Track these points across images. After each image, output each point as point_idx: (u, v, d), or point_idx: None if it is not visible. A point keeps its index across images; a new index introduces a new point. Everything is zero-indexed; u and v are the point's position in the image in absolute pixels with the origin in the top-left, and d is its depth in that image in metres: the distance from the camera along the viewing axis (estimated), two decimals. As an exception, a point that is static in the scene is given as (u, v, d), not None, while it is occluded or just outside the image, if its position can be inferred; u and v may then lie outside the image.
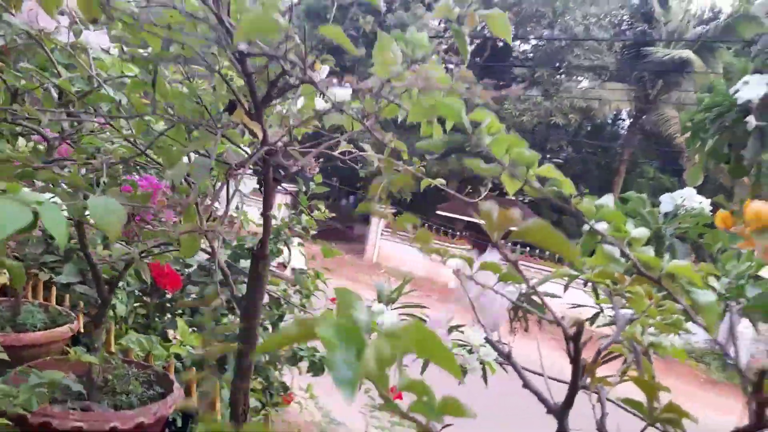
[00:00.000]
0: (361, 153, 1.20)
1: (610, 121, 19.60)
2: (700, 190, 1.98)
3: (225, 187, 0.93)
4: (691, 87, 15.56)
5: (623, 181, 16.15)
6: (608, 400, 0.82)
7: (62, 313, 1.90)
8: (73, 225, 1.31)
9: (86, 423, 1.23)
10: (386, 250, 16.36)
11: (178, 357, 2.05)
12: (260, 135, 0.81)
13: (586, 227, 0.62)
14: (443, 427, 0.48)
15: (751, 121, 1.95)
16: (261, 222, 2.12)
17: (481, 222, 0.56)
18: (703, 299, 0.51)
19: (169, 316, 3.07)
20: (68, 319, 1.84)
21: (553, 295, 1.61)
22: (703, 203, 1.76)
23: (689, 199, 1.78)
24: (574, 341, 0.45)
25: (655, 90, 16.55)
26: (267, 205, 0.89)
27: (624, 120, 19.46)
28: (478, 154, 0.63)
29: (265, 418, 2.39)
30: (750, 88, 1.97)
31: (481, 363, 1.39)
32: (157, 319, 3.02)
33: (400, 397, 1.87)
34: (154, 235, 0.91)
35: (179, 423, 1.62)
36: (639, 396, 0.61)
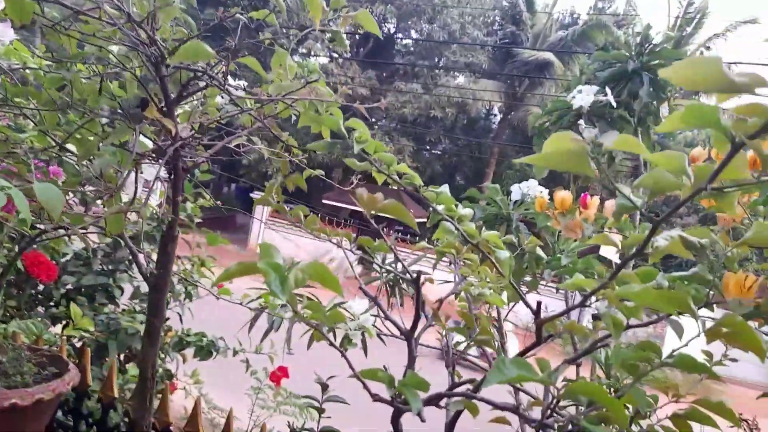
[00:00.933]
0: (254, 147, 1.36)
1: (483, 116, 20.97)
2: (551, 181, 2.35)
3: (134, 174, 1.06)
4: (552, 86, 17.12)
5: (494, 172, 17.45)
6: (461, 357, 1.07)
7: (-66, 303, 1.84)
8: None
9: (-16, 401, 1.27)
10: (270, 239, 16.25)
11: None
12: (173, 130, 0.95)
13: (431, 208, 0.85)
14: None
15: (582, 123, 2.36)
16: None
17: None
18: (501, 255, 0.76)
19: (42, 308, 2.97)
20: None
21: (425, 273, 1.87)
22: (544, 192, 2.12)
23: (532, 189, 2.13)
24: (415, 282, 0.67)
25: (522, 88, 18.00)
26: (176, 192, 1.03)
27: (496, 115, 20.92)
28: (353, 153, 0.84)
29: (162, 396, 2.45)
30: (582, 97, 2.38)
31: (360, 329, 1.60)
32: (29, 311, 2.90)
33: (285, 376, 2.05)
34: (68, 218, 1.01)
35: (72, 403, 1.67)
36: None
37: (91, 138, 0.99)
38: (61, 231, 1.44)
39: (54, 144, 0.98)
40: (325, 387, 1.17)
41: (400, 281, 2.50)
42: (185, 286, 3.14)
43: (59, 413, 1.69)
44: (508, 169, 17.88)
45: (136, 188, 1.06)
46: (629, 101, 2.36)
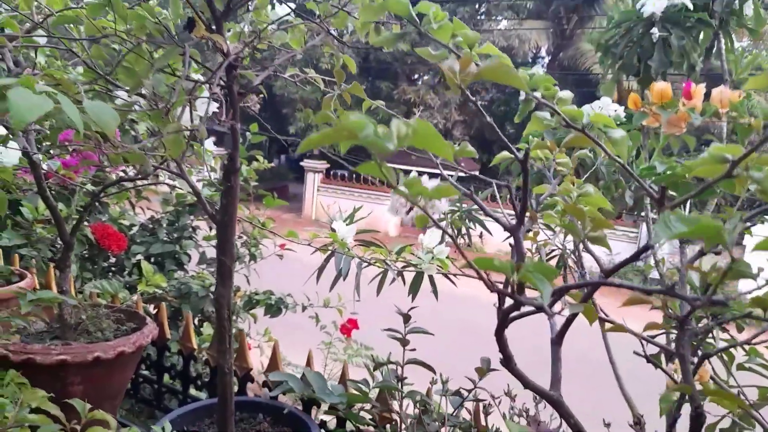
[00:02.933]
0: (307, 76, 1.27)
1: (530, 60, 20.09)
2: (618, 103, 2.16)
3: (188, 109, 0.99)
4: (603, 20, 16.15)
5: (546, 117, 16.75)
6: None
7: (15, 272, 1.88)
8: (30, 168, 1.32)
9: (69, 355, 1.28)
10: (324, 205, 16.37)
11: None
12: (224, 46, 0.87)
13: (522, 96, 0.73)
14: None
15: (655, 32, 2.14)
16: (218, 153, 2.13)
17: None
18: (617, 135, 0.64)
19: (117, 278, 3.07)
20: (23, 277, 1.83)
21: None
22: (618, 110, 1.94)
23: (606, 107, 1.95)
24: (523, 163, 0.57)
25: (570, 25, 17.07)
26: (235, 115, 0.95)
27: (544, 57, 20.00)
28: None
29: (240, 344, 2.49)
30: (653, 2, 2.15)
31: (436, 262, 1.53)
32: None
33: (355, 327, 2.01)
34: (126, 156, 0.96)
35: (154, 357, 1.69)
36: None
37: (140, 67, 0.92)
38: (128, 185, 1.40)
39: (99, 76, 0.92)
40: (407, 318, 1.10)
41: (467, 220, 2.40)
42: (248, 248, 3.18)
43: (143, 368, 1.71)
44: (561, 113, 17.18)
45: (191, 120, 0.99)
46: (708, 2, 2.11)
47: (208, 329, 2.88)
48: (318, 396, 0.98)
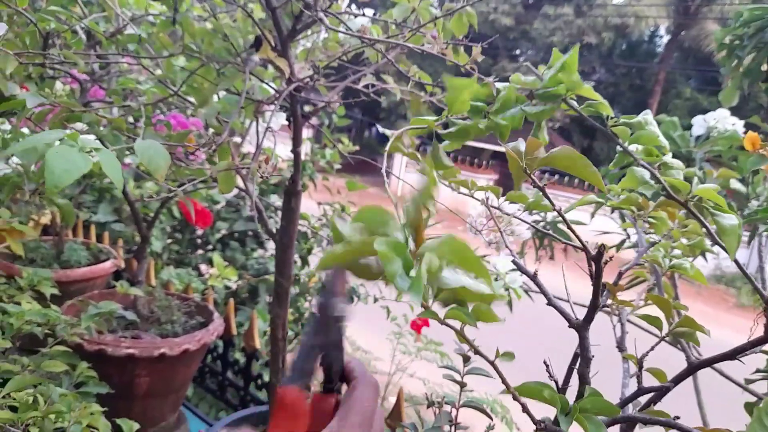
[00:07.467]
0: (384, 86, 1.20)
1: (646, 39, 18.62)
2: (738, 111, 1.91)
3: (255, 124, 0.95)
4: (734, -2, 14.59)
5: (658, 102, 15.55)
6: (628, 321, 0.85)
7: (103, 250, 1.99)
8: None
9: (137, 350, 1.32)
10: (412, 181, 16.32)
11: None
12: (287, 71, 0.81)
13: (618, 148, 0.62)
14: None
15: (795, 35, 1.84)
16: (288, 158, 2.13)
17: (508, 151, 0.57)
18: (726, 222, 0.52)
19: (200, 251, 3.18)
20: (109, 256, 1.93)
21: (579, 222, 1.63)
22: (736, 125, 1.70)
23: (722, 120, 1.73)
24: (595, 261, 0.47)
25: (696, 2, 15.55)
26: (297, 142, 0.90)
27: (661, 37, 18.47)
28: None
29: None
30: (794, -1, 1.85)
31: (506, 289, 1.43)
32: (190, 254, 3.13)
33: (425, 324, 1.91)
34: (189, 173, 0.94)
35: (221, 350, 1.72)
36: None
37: (206, 85, 0.89)
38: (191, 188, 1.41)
39: (171, 93, 0.90)
40: (466, 359, 1.02)
41: (550, 229, 2.25)
42: (328, 232, 3.19)
43: (210, 358, 1.76)
44: (676, 99, 15.84)
45: (258, 140, 0.96)
46: None
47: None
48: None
